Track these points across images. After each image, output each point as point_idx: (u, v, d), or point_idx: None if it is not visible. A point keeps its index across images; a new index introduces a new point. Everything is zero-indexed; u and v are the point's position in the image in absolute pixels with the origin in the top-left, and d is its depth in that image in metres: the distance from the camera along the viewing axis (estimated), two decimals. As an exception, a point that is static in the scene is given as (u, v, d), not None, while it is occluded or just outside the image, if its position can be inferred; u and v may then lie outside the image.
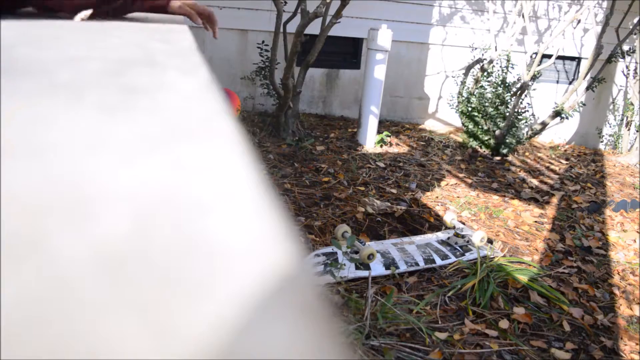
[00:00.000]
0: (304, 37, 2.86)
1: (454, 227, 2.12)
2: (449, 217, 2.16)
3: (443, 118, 4.32)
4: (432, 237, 2.07)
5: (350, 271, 1.70)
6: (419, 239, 2.04)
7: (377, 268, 1.76)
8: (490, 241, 2.20)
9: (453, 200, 2.62)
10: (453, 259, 1.90)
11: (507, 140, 3.50)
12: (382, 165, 2.96)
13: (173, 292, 0.13)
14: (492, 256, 1.97)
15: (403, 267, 1.79)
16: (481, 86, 3.62)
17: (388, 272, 1.75)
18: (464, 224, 2.30)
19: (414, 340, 1.46)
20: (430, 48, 4.15)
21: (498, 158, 3.55)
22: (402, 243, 1.98)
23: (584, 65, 3.79)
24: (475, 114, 3.58)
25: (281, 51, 3.15)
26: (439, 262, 1.86)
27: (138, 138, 0.24)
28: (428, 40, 4.10)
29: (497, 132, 3.47)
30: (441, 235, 2.11)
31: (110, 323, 0.12)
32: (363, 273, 1.70)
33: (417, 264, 1.82)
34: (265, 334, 0.13)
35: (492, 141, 3.52)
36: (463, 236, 2.04)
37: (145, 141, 0.23)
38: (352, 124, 3.72)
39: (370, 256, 1.69)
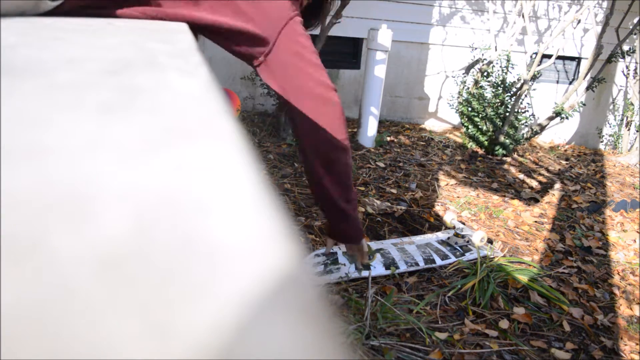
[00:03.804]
0: (304, 37, 2.86)
1: (454, 227, 2.12)
2: (449, 217, 2.16)
3: (443, 118, 4.32)
4: (432, 237, 2.07)
5: (350, 271, 1.70)
6: (419, 239, 2.04)
7: (377, 268, 1.76)
8: (490, 241, 2.20)
9: (453, 200, 2.62)
10: (453, 259, 1.90)
11: (507, 140, 3.50)
12: (382, 165, 2.96)
13: (173, 292, 0.13)
14: (492, 256, 1.97)
15: (403, 267, 1.79)
16: (481, 86, 3.62)
17: (388, 272, 1.75)
18: (464, 224, 2.30)
19: (414, 340, 1.46)
20: (430, 48, 4.15)
21: (498, 158, 3.55)
22: (402, 243, 1.98)
23: (584, 65, 3.79)
24: (475, 114, 3.58)
25: (281, 51, 3.14)
26: (439, 262, 1.86)
27: (138, 138, 0.24)
28: (428, 40, 4.10)
29: (497, 132, 3.47)
30: (441, 235, 2.11)
31: (110, 323, 0.12)
32: (363, 273, 1.70)
33: (417, 264, 1.82)
34: (265, 334, 0.13)
35: (492, 141, 3.52)
36: (463, 236, 2.03)
37: (145, 141, 0.23)
38: (352, 124, 3.72)
39: (370, 256, 1.69)
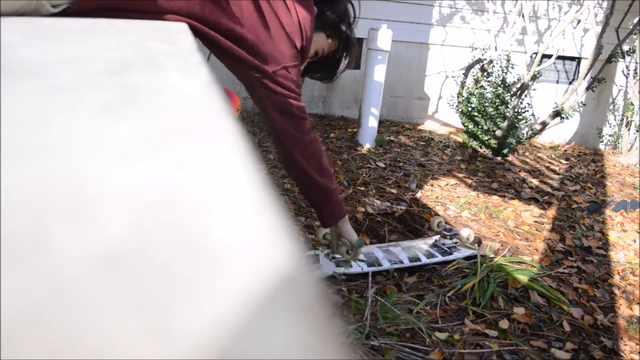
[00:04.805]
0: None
1: (442, 230, 2.09)
2: (435, 222, 2.11)
3: (443, 118, 4.32)
4: (419, 241, 2.03)
5: (329, 267, 1.66)
6: (406, 243, 2.00)
7: (357, 267, 1.71)
8: (479, 242, 2.19)
9: (453, 200, 2.62)
10: (440, 257, 1.87)
11: (507, 140, 3.50)
12: (382, 165, 2.96)
13: (173, 292, 0.13)
14: (482, 254, 1.94)
15: (387, 265, 1.75)
16: (481, 86, 3.62)
17: (370, 269, 1.71)
18: (450, 224, 2.27)
19: (414, 340, 1.46)
20: (430, 48, 4.15)
21: (498, 158, 3.55)
22: (388, 246, 1.94)
23: (584, 65, 3.79)
24: (475, 114, 3.58)
25: (281, 51, 3.14)
26: (424, 260, 1.82)
27: (138, 138, 0.24)
28: (428, 40, 4.10)
29: (497, 132, 3.47)
30: (429, 240, 2.06)
31: (110, 323, 0.12)
32: (350, 270, 1.67)
33: (401, 262, 1.79)
34: (265, 334, 0.13)
35: (492, 141, 3.52)
36: (451, 237, 2.00)
37: (145, 141, 0.23)
38: (352, 124, 3.72)
39: (349, 252, 1.61)
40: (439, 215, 2.25)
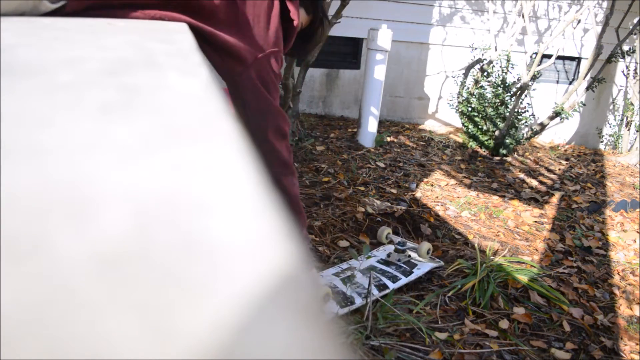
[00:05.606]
0: (304, 37, 2.85)
1: (390, 242, 2.01)
2: (384, 233, 2.02)
3: (443, 118, 4.32)
4: (371, 259, 1.91)
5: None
6: (358, 263, 1.85)
7: (334, 305, 1.61)
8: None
9: (453, 200, 2.62)
10: (404, 279, 1.75)
11: (507, 141, 3.50)
12: (382, 165, 2.96)
13: (173, 292, 0.13)
14: (437, 266, 1.87)
15: (359, 301, 1.60)
16: (481, 86, 3.62)
17: (346, 310, 1.56)
18: (398, 235, 2.17)
19: (414, 340, 1.46)
20: (430, 48, 4.15)
21: (498, 158, 3.55)
22: (344, 271, 1.80)
23: (584, 65, 3.79)
24: (475, 114, 3.58)
25: (281, 51, 3.14)
26: (391, 285, 1.71)
27: (138, 138, 0.24)
28: (428, 40, 4.10)
29: (497, 132, 3.47)
30: (379, 254, 1.95)
31: (110, 323, 0.12)
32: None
33: (371, 293, 1.62)
34: (265, 334, 0.13)
35: (492, 141, 3.52)
36: (403, 251, 1.91)
37: (146, 141, 0.23)
38: (352, 124, 3.72)
39: (326, 296, 1.54)
40: (386, 226, 2.12)
